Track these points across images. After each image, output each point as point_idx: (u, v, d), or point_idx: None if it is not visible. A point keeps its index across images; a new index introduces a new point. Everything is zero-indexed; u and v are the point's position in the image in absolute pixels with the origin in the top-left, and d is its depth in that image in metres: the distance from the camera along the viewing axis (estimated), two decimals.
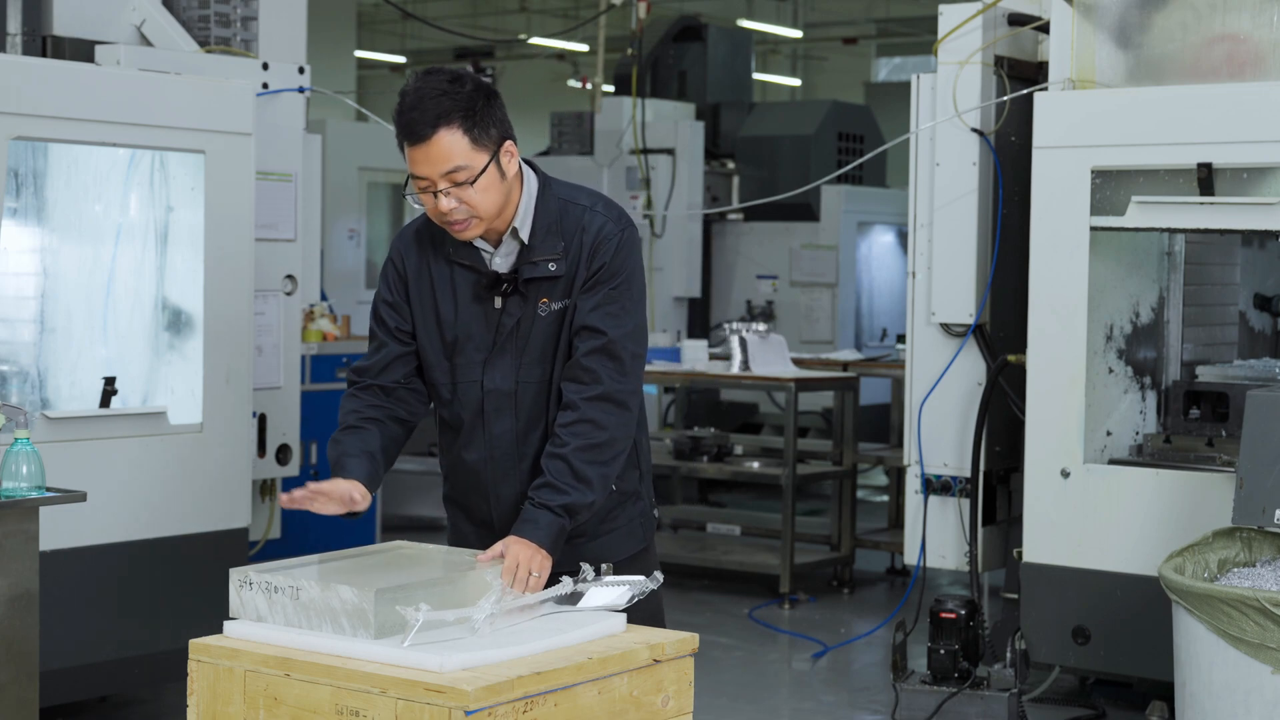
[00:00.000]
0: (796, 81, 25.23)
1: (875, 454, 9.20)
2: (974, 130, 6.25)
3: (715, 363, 8.89)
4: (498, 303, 3.45)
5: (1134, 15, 5.74)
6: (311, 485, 3.33)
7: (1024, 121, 6.00)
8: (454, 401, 3.52)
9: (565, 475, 3.34)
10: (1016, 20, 6.28)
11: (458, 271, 3.48)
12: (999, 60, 6.28)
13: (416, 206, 3.43)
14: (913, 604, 6.63)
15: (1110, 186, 5.61)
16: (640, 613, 3.31)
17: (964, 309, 6.31)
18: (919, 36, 21.57)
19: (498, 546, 3.28)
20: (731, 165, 11.82)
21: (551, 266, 3.41)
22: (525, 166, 3.49)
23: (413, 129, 3.31)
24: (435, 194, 3.34)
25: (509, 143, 3.39)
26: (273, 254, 6.38)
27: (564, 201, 3.47)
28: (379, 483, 3.48)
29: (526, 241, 3.43)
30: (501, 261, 3.46)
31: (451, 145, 3.30)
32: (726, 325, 9.02)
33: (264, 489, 6.48)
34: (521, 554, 3.25)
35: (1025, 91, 6.12)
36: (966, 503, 6.27)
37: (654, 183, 11.24)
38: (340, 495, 3.33)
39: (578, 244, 3.43)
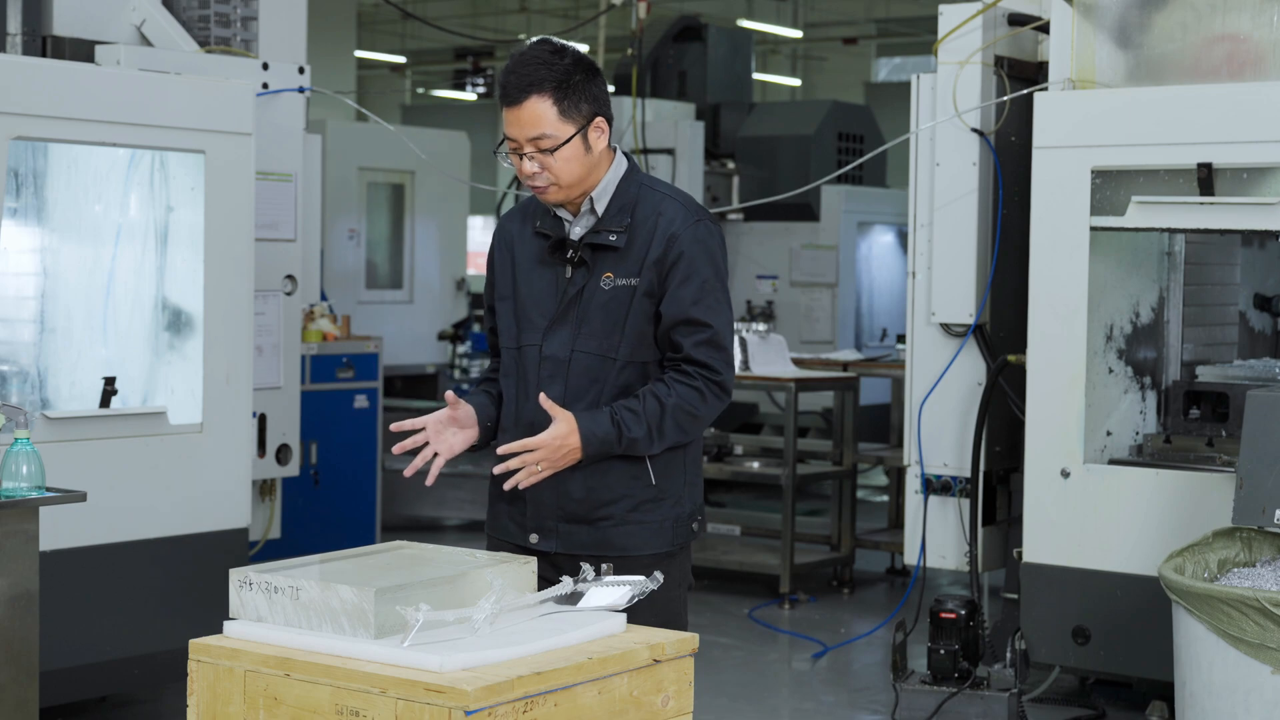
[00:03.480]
0: (796, 81, 25.24)
1: (875, 454, 9.20)
2: (974, 130, 6.25)
3: None
4: (567, 272, 3.59)
5: (1134, 15, 5.74)
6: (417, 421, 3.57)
7: (1024, 121, 6.00)
8: (515, 364, 3.65)
9: (655, 417, 3.50)
10: (1016, 20, 6.28)
11: (539, 241, 3.64)
12: (999, 60, 6.28)
13: (505, 165, 3.60)
14: (913, 604, 6.63)
15: (1110, 186, 5.61)
16: (660, 615, 3.34)
17: (964, 309, 6.31)
18: (919, 36, 21.58)
19: (559, 411, 3.45)
20: (731, 165, 11.81)
21: (612, 237, 3.55)
22: (620, 153, 3.64)
23: (507, 91, 3.49)
24: (521, 156, 3.51)
25: (600, 119, 3.55)
26: (273, 254, 6.38)
27: (644, 187, 3.63)
28: (491, 419, 3.68)
29: (600, 214, 3.58)
30: (578, 231, 3.61)
31: (540, 113, 3.47)
32: None
33: (264, 489, 6.48)
34: (558, 440, 3.45)
35: (1025, 91, 6.12)
36: (966, 503, 6.28)
37: None
38: (441, 417, 3.57)
39: (649, 226, 3.56)
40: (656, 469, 3.59)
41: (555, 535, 3.59)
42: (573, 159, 3.50)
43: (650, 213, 3.57)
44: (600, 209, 3.58)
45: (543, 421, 3.53)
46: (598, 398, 3.55)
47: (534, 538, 3.60)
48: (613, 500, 3.57)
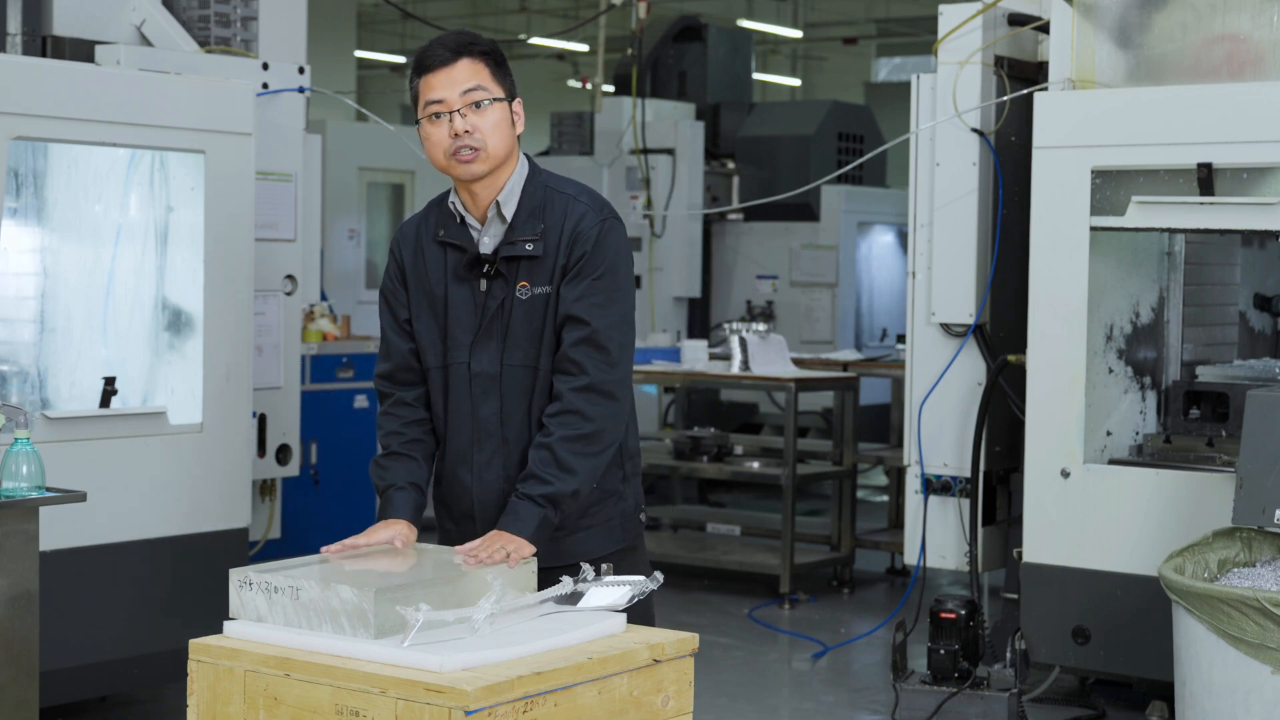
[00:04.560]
0: (796, 81, 25.23)
1: (875, 454, 9.20)
2: (974, 130, 6.25)
3: (715, 363, 8.89)
4: (483, 285, 3.52)
5: (1134, 15, 5.74)
6: (349, 541, 3.38)
7: (1024, 121, 6.00)
8: (445, 384, 3.58)
9: (549, 465, 3.40)
10: (1016, 20, 6.28)
11: (449, 253, 3.56)
12: (999, 60, 6.28)
13: (418, 151, 3.53)
14: (913, 604, 6.63)
15: (1110, 186, 5.61)
16: (632, 614, 3.33)
17: (964, 309, 6.31)
18: (919, 36, 21.58)
19: (479, 541, 3.32)
20: (731, 165, 11.82)
21: (528, 246, 3.48)
22: (521, 153, 3.58)
23: (436, 57, 3.46)
24: (451, 116, 3.43)
25: (519, 102, 3.54)
26: (273, 254, 6.38)
27: (549, 189, 3.56)
28: (423, 510, 3.56)
29: (510, 221, 3.51)
30: (489, 242, 3.54)
31: (474, 68, 3.46)
32: (726, 325, 9.02)
33: (264, 489, 6.48)
34: (494, 540, 3.31)
35: (1025, 91, 6.13)
36: (966, 503, 6.28)
37: (654, 183, 11.25)
38: (380, 544, 3.41)
39: (559, 230, 3.50)
40: None
41: None
42: (501, 125, 3.46)
43: (559, 216, 3.51)
44: (508, 213, 3.51)
45: (484, 438, 3.52)
46: (529, 409, 3.50)
47: None
48: None
